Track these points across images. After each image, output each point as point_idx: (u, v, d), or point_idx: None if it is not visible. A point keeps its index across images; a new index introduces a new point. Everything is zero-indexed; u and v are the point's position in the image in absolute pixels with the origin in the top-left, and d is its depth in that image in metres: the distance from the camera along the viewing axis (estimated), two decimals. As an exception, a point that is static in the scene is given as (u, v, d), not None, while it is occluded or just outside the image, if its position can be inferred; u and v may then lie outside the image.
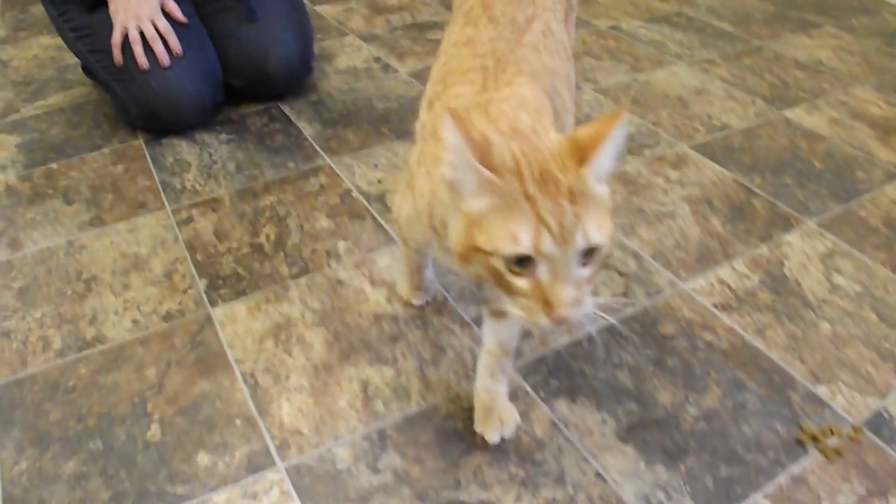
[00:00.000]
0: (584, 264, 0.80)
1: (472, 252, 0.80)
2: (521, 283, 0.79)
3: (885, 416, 1.28)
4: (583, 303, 0.81)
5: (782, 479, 1.18)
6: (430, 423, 1.25)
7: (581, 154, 0.79)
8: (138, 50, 1.90)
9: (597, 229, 0.78)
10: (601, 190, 0.80)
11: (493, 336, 1.16)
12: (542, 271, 0.78)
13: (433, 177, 0.95)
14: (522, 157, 0.79)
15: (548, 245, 0.76)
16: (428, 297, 1.49)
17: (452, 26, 1.23)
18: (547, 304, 0.79)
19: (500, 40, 1.08)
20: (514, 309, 0.82)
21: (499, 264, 0.79)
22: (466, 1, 1.23)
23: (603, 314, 0.89)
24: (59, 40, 2.24)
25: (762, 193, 1.79)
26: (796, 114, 2.15)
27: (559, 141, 0.82)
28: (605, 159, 0.79)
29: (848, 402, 1.30)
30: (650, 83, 2.31)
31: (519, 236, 0.76)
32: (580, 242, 0.77)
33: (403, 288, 1.49)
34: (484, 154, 0.77)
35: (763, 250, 1.62)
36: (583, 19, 2.77)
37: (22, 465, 1.21)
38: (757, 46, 2.56)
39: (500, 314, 1.13)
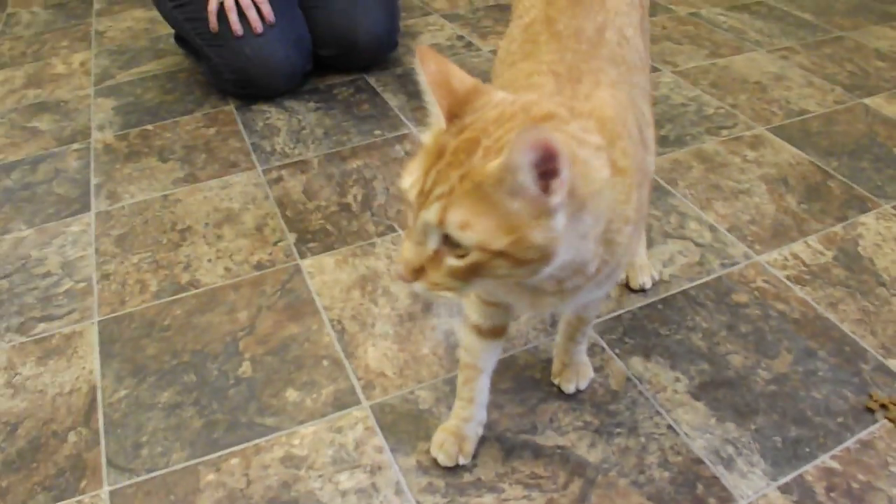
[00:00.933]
0: (458, 256, 0.75)
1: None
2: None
3: (956, 389, 1.30)
4: (429, 279, 0.78)
5: (850, 443, 1.20)
6: (508, 372, 1.30)
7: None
8: (233, 17, 1.97)
9: (459, 222, 0.73)
10: (510, 203, 0.72)
11: (573, 307, 1.17)
12: (409, 222, 0.78)
13: None
14: (476, 119, 0.77)
15: (412, 195, 0.76)
16: (464, 459, 1.17)
17: (509, 43, 1.12)
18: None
19: (568, 52, 0.97)
20: None
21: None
22: (528, 11, 1.10)
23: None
24: (152, 13, 2.34)
25: (838, 176, 1.81)
26: (876, 102, 2.15)
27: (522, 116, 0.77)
28: (522, 177, 0.70)
29: (918, 375, 1.32)
30: (729, 68, 2.32)
31: (405, 175, 0.78)
32: (431, 216, 0.74)
33: (440, 437, 1.18)
34: (447, 89, 0.78)
35: (837, 229, 1.64)
36: (662, 5, 2.79)
37: (121, 392, 1.29)
38: (837, 36, 2.56)
39: None
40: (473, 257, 0.74)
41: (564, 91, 0.90)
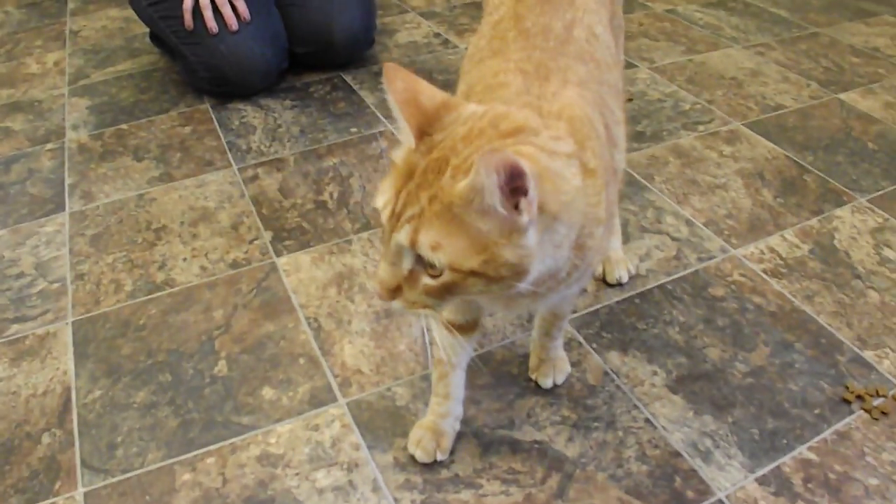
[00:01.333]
0: (432, 276, 0.75)
1: None
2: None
3: (931, 380, 1.31)
4: (405, 298, 0.79)
5: (827, 434, 1.20)
6: (485, 368, 1.30)
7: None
8: (208, 14, 1.96)
9: (430, 243, 0.72)
10: (480, 223, 0.72)
11: (546, 305, 1.17)
12: (383, 242, 0.78)
13: None
14: (445, 137, 0.76)
15: (384, 216, 0.76)
16: (442, 455, 1.16)
17: (478, 40, 1.10)
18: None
19: (536, 50, 0.97)
20: None
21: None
22: (497, 9, 1.10)
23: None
24: (127, 12, 2.32)
25: (814, 170, 1.82)
26: (851, 97, 2.16)
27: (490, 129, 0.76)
28: (489, 198, 0.69)
29: (894, 367, 1.32)
30: (705, 64, 2.33)
31: (380, 193, 0.77)
32: (402, 238, 0.74)
33: (417, 434, 1.17)
34: (415, 107, 0.77)
35: (813, 223, 1.64)
36: (639, 2, 2.79)
37: (95, 393, 1.28)
38: (813, 32, 2.58)
39: None
40: (447, 277, 0.74)
41: (532, 89, 0.90)
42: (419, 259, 0.75)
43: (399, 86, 0.78)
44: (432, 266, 0.74)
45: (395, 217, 0.75)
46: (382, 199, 0.77)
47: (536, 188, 0.70)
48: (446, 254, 0.72)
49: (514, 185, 0.69)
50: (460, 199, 0.71)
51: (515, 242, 0.72)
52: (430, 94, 0.80)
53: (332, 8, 2.12)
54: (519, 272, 0.74)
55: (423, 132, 0.77)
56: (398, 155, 0.78)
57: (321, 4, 2.12)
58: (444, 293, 0.77)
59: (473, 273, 0.73)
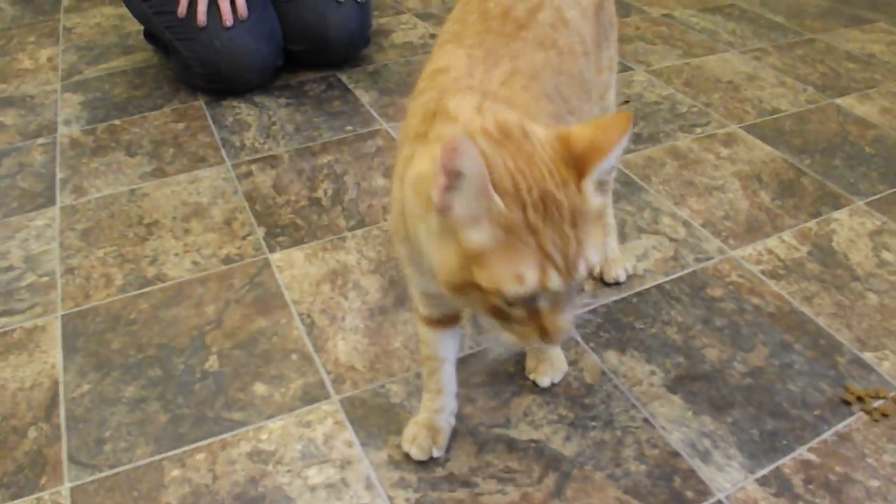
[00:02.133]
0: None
1: (468, 287, 0.73)
2: (518, 312, 0.74)
3: (932, 383, 1.29)
4: (572, 321, 0.78)
5: (827, 435, 1.19)
6: (481, 366, 1.28)
7: (580, 163, 0.72)
8: (202, 7, 1.95)
9: (596, 251, 0.73)
10: (597, 202, 0.74)
11: None
12: (543, 303, 0.74)
13: (405, 183, 0.84)
14: (519, 175, 0.71)
15: (554, 282, 0.71)
16: (438, 452, 1.14)
17: (448, 23, 1.07)
18: (542, 330, 0.75)
19: (489, 34, 0.94)
20: (505, 334, 0.78)
21: (497, 300, 0.73)
22: None
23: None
24: (121, 10, 2.30)
25: (811, 173, 1.81)
26: (847, 102, 2.15)
27: (552, 144, 0.74)
28: (605, 170, 0.73)
29: (895, 368, 1.31)
30: (702, 68, 2.32)
31: (525, 276, 0.70)
32: (582, 271, 0.72)
33: (411, 431, 1.15)
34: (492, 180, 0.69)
35: (811, 225, 1.63)
36: (636, 6, 2.79)
37: (84, 387, 1.26)
38: (809, 39, 2.57)
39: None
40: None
41: (475, 74, 0.88)
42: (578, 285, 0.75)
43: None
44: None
45: (566, 266, 0.71)
46: (533, 276, 0.70)
47: None
48: (602, 244, 0.74)
49: None
50: (587, 195, 0.72)
51: None
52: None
53: (328, 6, 2.10)
54: None
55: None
56: (480, 241, 0.71)
57: (316, 2, 2.11)
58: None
59: None
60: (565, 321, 0.76)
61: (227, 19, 1.96)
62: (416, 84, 0.98)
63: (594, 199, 0.73)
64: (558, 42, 0.99)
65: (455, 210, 0.70)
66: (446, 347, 1.09)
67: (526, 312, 0.74)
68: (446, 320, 1.06)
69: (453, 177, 0.68)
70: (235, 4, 1.98)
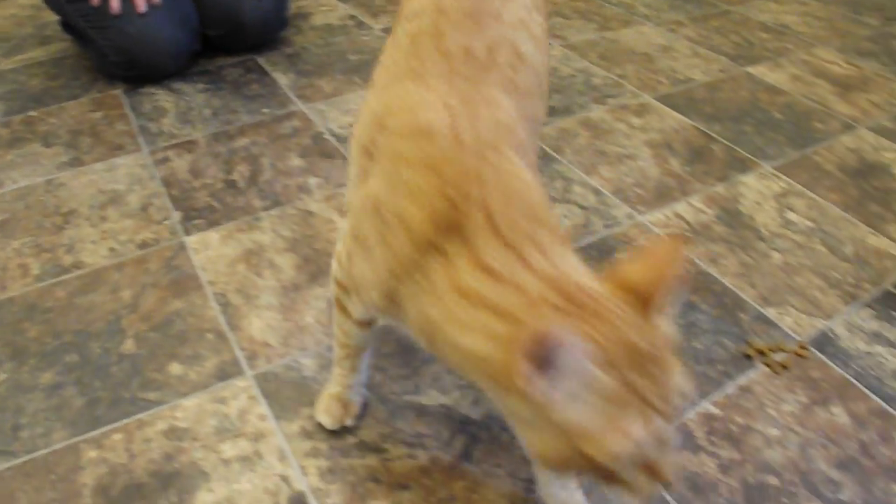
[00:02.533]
0: None
1: (577, 459, 0.69)
2: (631, 472, 0.71)
3: (831, 335, 1.34)
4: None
5: (730, 388, 1.24)
6: (390, 337, 1.31)
7: (643, 301, 0.71)
8: (115, -6, 1.94)
9: (683, 378, 0.71)
10: (670, 331, 0.73)
11: None
12: (652, 452, 0.70)
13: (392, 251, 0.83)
14: (602, 338, 0.68)
15: (662, 428, 0.68)
16: (350, 420, 1.17)
17: (394, 50, 1.01)
18: (661, 477, 0.71)
19: (457, 78, 0.90)
20: (619, 494, 0.73)
21: (615, 466, 0.69)
22: (417, 16, 1.01)
23: None
24: (36, 0, 2.26)
25: (721, 139, 1.85)
26: (759, 70, 2.21)
27: (611, 290, 0.72)
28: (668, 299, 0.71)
29: (796, 323, 1.36)
30: (617, 41, 2.36)
31: (636, 435, 0.67)
32: (679, 404, 0.70)
33: (324, 402, 1.17)
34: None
35: (719, 189, 1.68)
36: (555, -17, 2.82)
37: (0, 377, 1.26)
38: (725, 10, 2.62)
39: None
40: None
41: (463, 135, 0.83)
42: None
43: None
44: None
45: (667, 409, 0.69)
46: (644, 432, 0.68)
47: None
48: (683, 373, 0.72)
49: None
50: (661, 329, 0.72)
51: None
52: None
53: (241, -12, 2.10)
54: None
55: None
56: (580, 413, 0.68)
57: (230, -15, 2.11)
58: None
59: None
60: (676, 462, 0.74)
61: (141, 6, 1.95)
62: (359, 111, 0.96)
63: (666, 328, 0.72)
64: (518, 84, 0.96)
65: (552, 395, 0.67)
66: (367, 339, 1.10)
67: (639, 466, 0.71)
68: (372, 321, 1.05)
69: (548, 367, 0.65)
70: (148, -10, 1.97)
